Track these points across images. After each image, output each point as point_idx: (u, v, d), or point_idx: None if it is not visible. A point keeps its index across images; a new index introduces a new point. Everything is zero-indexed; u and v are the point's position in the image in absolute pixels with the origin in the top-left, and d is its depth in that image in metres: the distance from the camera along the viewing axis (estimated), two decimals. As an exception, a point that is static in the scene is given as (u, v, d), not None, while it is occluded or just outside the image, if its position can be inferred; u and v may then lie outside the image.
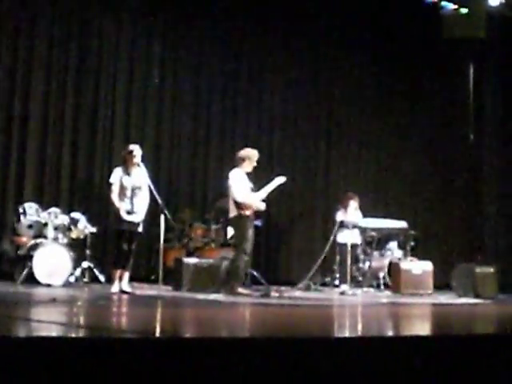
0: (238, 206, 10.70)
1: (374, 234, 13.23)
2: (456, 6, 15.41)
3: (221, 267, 11.15)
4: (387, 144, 16.27)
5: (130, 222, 9.82)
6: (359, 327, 6.56)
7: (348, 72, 15.89)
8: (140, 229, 9.97)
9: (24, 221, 11.24)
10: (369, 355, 4.42)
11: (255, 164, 10.88)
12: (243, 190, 10.68)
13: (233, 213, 10.73)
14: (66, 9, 12.87)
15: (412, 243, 13.47)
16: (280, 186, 11.00)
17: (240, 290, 10.43)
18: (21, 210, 11.31)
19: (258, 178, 11.14)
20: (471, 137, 16.66)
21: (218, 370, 3.84)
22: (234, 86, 14.78)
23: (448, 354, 4.65)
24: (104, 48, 13.28)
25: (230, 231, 12.70)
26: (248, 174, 10.83)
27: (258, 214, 11.13)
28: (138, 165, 9.98)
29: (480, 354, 4.77)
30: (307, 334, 5.44)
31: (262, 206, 10.81)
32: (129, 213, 9.83)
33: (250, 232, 10.62)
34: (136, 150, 10.05)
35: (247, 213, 10.65)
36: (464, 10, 15.39)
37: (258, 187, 10.82)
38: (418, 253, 13.53)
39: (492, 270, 13.00)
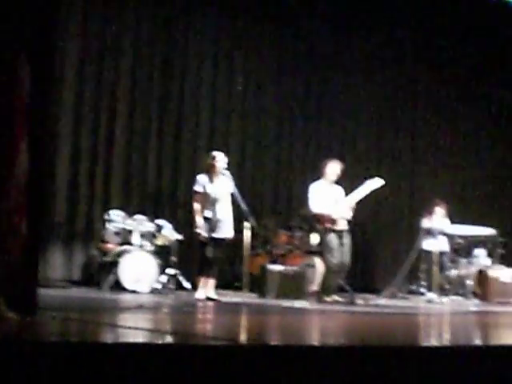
0: (315, 218, 10.71)
1: (461, 241, 13.05)
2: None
3: (305, 274, 11.14)
4: (474, 150, 16.05)
5: (213, 231, 9.86)
6: (447, 336, 6.49)
7: (431, 79, 15.72)
8: (225, 236, 9.99)
9: (110, 228, 11.42)
10: (457, 365, 4.37)
11: (335, 175, 10.84)
12: (319, 201, 10.68)
13: (315, 225, 10.77)
14: (151, 18, 13.06)
15: (500, 250, 13.25)
16: (376, 190, 11.00)
17: (325, 297, 10.42)
18: (107, 218, 11.50)
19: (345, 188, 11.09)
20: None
21: (302, 376, 3.83)
22: (317, 95, 14.75)
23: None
24: (188, 57, 13.41)
25: (314, 238, 12.68)
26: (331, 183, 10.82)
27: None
28: (223, 173, 9.99)
29: None
30: (393, 342, 5.39)
31: (345, 215, 10.72)
32: (212, 221, 9.87)
33: (334, 243, 10.56)
34: (220, 157, 10.07)
35: (326, 225, 10.62)
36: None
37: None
38: (506, 260, 13.29)
39: None
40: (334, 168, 10.87)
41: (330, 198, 10.72)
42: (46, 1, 5.69)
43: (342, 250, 10.60)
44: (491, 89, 15.89)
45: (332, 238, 10.59)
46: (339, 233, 10.66)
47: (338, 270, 10.56)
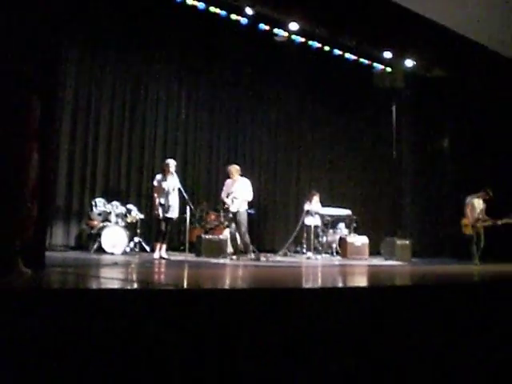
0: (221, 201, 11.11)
1: (329, 218, 13.24)
2: (383, 66, 15.59)
3: (227, 241, 11.17)
4: (339, 160, 16.24)
5: (166, 212, 9.84)
6: (319, 281, 6.57)
7: (313, 115, 15.72)
8: (173, 216, 9.96)
9: (95, 210, 11.27)
10: (326, 301, 4.43)
11: (236, 175, 10.85)
12: (223, 191, 10.89)
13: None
14: (125, 72, 12.83)
15: (354, 224, 13.48)
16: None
17: (240, 256, 10.46)
18: (93, 203, 11.37)
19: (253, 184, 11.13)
20: (394, 153, 16.71)
21: (225, 312, 3.84)
22: (236, 123, 14.66)
23: (379, 299, 4.67)
24: (148, 98, 13.22)
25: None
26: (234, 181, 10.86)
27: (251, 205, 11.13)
28: (172, 173, 9.97)
29: (401, 299, 4.79)
30: (284, 285, 5.45)
31: (229, 204, 10.75)
32: (165, 206, 9.85)
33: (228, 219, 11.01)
34: (171, 162, 10.05)
35: (223, 207, 11.08)
36: (389, 69, 15.57)
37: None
38: (358, 230, 13.53)
39: (407, 242, 13.09)
40: (231, 171, 10.91)
41: (229, 189, 10.79)
42: (51, 56, 5.58)
43: (234, 226, 10.97)
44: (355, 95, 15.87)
45: (227, 216, 10.91)
46: (232, 213, 10.78)
47: (237, 238, 10.87)
